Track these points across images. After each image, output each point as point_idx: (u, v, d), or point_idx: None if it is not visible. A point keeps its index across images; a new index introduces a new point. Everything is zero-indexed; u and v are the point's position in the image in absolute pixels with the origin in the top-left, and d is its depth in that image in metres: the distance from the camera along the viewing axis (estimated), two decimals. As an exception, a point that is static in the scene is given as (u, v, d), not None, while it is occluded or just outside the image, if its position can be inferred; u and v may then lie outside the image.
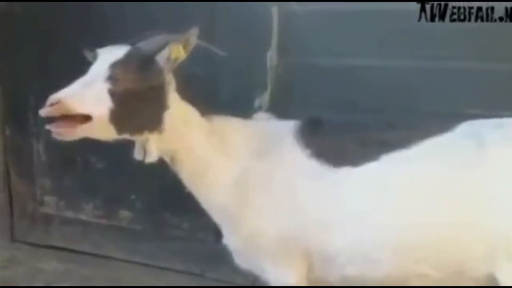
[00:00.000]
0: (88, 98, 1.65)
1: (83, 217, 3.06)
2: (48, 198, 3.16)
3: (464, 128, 1.69)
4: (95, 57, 1.80)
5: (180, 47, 1.76)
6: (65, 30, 2.85)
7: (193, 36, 1.77)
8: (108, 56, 1.75)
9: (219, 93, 2.48)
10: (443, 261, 1.63)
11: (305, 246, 1.78)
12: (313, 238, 1.77)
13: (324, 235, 1.75)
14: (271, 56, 2.43)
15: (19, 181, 3.24)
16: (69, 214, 3.10)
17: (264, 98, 2.43)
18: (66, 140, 1.68)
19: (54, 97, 1.63)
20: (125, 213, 2.95)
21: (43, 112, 1.62)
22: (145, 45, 1.78)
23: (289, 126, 1.89)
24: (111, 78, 1.70)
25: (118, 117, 1.69)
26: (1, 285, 2.83)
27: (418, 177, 1.66)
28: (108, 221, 3.00)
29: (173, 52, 1.76)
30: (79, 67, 1.77)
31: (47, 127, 1.64)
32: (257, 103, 2.43)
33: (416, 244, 1.64)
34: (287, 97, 2.43)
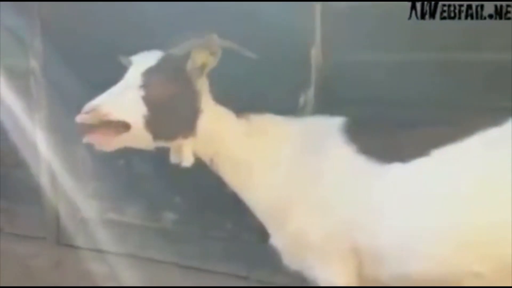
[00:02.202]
0: (123, 105, 1.69)
1: (127, 219, 3.08)
2: (93, 201, 3.20)
3: None
4: (130, 64, 1.83)
5: (205, 54, 1.77)
6: (99, 35, 2.89)
7: (211, 42, 1.76)
8: (141, 63, 1.78)
9: (264, 91, 2.47)
10: (500, 260, 1.56)
11: (353, 243, 1.76)
12: (361, 235, 1.74)
13: (373, 231, 1.72)
14: (315, 53, 2.40)
15: (65, 185, 3.29)
16: (114, 216, 3.12)
17: (309, 95, 2.40)
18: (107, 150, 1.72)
19: (90, 104, 1.67)
20: (169, 215, 2.95)
21: (79, 118, 1.66)
22: (178, 50, 1.80)
23: (335, 122, 1.87)
24: (144, 85, 1.73)
25: (153, 124, 1.72)
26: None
27: (471, 172, 1.61)
28: (152, 223, 3.00)
29: (196, 58, 1.77)
30: (114, 74, 1.80)
31: (85, 140, 1.69)
32: (302, 100, 2.40)
33: (470, 242, 1.58)
34: (332, 94, 2.39)
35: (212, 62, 1.80)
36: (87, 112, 1.65)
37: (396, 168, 1.71)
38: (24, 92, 3.21)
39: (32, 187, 3.29)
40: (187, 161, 1.81)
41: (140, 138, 1.74)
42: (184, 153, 1.81)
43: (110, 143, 1.71)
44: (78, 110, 1.69)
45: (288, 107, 2.27)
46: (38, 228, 3.33)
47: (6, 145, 3.27)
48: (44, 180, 3.28)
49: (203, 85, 1.81)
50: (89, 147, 2.98)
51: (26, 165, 3.28)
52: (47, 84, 3.20)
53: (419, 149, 1.69)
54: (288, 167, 1.85)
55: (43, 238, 3.32)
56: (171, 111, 1.75)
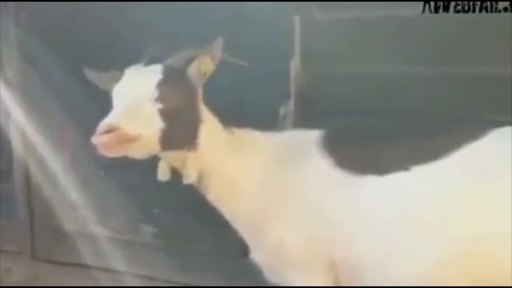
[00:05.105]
0: (141, 120, 1.66)
1: (105, 233, 3.05)
2: (70, 215, 3.15)
3: (495, 135, 1.64)
4: (114, 78, 1.80)
5: (208, 59, 1.77)
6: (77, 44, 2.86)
7: (218, 47, 1.78)
8: (142, 76, 1.75)
9: (243, 102, 2.48)
10: (480, 276, 1.55)
11: (330, 256, 1.75)
12: (338, 249, 1.74)
13: (350, 246, 1.72)
14: (294, 65, 2.42)
15: (40, 198, 3.24)
16: (91, 230, 3.08)
17: (288, 107, 2.41)
18: (108, 157, 1.65)
19: (106, 123, 1.60)
20: (148, 229, 2.93)
21: (98, 139, 1.58)
22: (174, 61, 1.79)
23: (313, 136, 1.87)
24: (160, 98, 1.70)
25: (166, 135, 1.70)
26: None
27: (450, 187, 1.61)
28: (131, 237, 2.97)
29: (202, 65, 1.78)
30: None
31: (93, 140, 1.60)
32: (281, 112, 2.41)
33: (448, 258, 1.57)
34: (311, 106, 2.40)
35: (212, 68, 1.80)
36: (106, 132, 1.58)
37: (374, 182, 1.70)
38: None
39: (7, 200, 3.23)
40: (190, 177, 1.80)
41: (149, 148, 1.70)
42: (188, 168, 1.80)
43: (117, 150, 1.64)
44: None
45: (268, 119, 2.27)
46: (13, 242, 3.28)
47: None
48: (19, 194, 3.22)
49: (200, 95, 1.82)
50: (66, 161, 3.02)
51: (2, 178, 3.23)
52: (23, 94, 3.14)
53: (397, 163, 1.69)
54: (266, 181, 1.84)
55: (18, 252, 3.27)
56: (181, 121, 1.74)
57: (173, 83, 1.74)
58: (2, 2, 3.00)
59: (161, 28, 2.54)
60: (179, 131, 1.74)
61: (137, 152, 1.70)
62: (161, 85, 1.72)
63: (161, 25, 2.57)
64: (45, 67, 2.99)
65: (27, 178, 3.18)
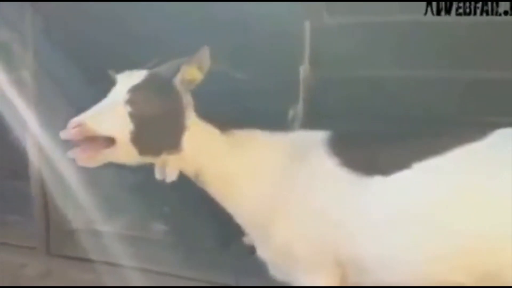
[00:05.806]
0: (109, 120, 1.70)
1: (116, 229, 3.10)
2: (83, 212, 3.20)
3: (497, 136, 1.68)
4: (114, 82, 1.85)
5: (194, 68, 1.80)
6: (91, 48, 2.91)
7: (203, 56, 1.80)
8: (127, 80, 1.80)
9: (253, 106, 2.50)
10: (477, 269, 1.61)
11: (336, 255, 1.79)
12: (344, 247, 1.77)
13: (355, 244, 1.75)
14: (304, 69, 2.45)
15: (54, 196, 3.29)
16: (104, 227, 3.13)
17: (297, 111, 2.45)
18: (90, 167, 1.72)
19: (75, 120, 1.67)
20: (158, 226, 2.96)
21: (65, 134, 1.66)
22: (163, 69, 1.84)
23: (318, 136, 1.90)
24: (130, 101, 1.75)
25: (139, 139, 1.73)
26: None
27: (451, 184, 1.65)
28: (141, 234, 3.01)
29: (186, 74, 1.81)
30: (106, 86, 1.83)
31: (70, 155, 1.69)
32: (290, 115, 2.44)
33: (449, 253, 1.62)
34: (320, 109, 2.44)
35: (199, 77, 1.83)
36: (72, 128, 1.65)
37: (378, 181, 1.74)
38: (15, 102, 3.21)
39: (22, 197, 3.29)
40: (171, 177, 1.84)
41: (125, 153, 1.75)
42: (168, 169, 1.84)
43: (95, 158, 1.72)
44: (68, 123, 1.69)
45: (277, 122, 2.30)
46: (28, 237, 3.34)
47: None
48: (34, 190, 3.28)
49: (188, 102, 1.85)
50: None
51: (17, 175, 3.29)
52: (38, 95, 3.21)
53: (401, 163, 1.73)
54: (271, 181, 1.87)
55: (33, 248, 3.32)
56: (157, 127, 1.77)
57: (151, 89, 1.77)
58: (18, 8, 3.06)
59: (170, 36, 2.57)
60: (155, 136, 1.77)
61: (115, 158, 1.75)
62: (134, 90, 1.76)
63: (170, 32, 2.60)
64: (60, 70, 3.03)
65: (42, 176, 3.23)
